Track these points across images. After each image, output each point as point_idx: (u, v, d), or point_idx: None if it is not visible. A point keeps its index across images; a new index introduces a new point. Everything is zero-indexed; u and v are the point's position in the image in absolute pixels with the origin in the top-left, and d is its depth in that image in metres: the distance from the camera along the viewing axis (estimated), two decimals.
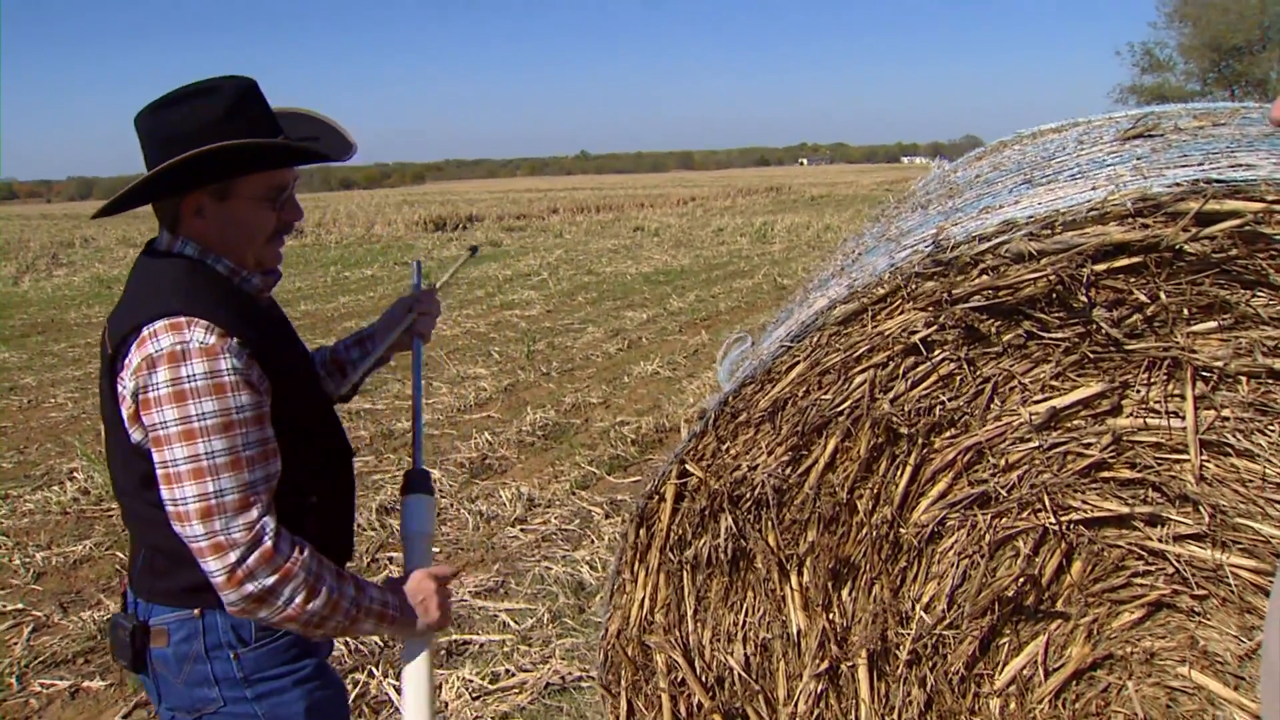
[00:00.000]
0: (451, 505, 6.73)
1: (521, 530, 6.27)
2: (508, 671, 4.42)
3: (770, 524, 2.29)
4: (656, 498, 2.38)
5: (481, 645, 4.72)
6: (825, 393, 2.20)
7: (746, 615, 2.35)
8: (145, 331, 1.87)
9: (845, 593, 2.32)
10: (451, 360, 11.27)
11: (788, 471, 2.25)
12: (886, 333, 2.15)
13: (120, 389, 1.92)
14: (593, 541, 6.00)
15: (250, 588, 1.81)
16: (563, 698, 4.21)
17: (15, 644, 4.93)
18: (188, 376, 1.83)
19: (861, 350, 2.17)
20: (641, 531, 2.33)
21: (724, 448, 2.26)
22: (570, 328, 13.28)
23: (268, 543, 1.83)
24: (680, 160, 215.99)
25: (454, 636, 4.79)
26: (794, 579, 2.32)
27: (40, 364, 12.13)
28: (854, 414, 2.20)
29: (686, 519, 2.31)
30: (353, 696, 4.25)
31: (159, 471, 1.86)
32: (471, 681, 4.33)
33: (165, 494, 1.85)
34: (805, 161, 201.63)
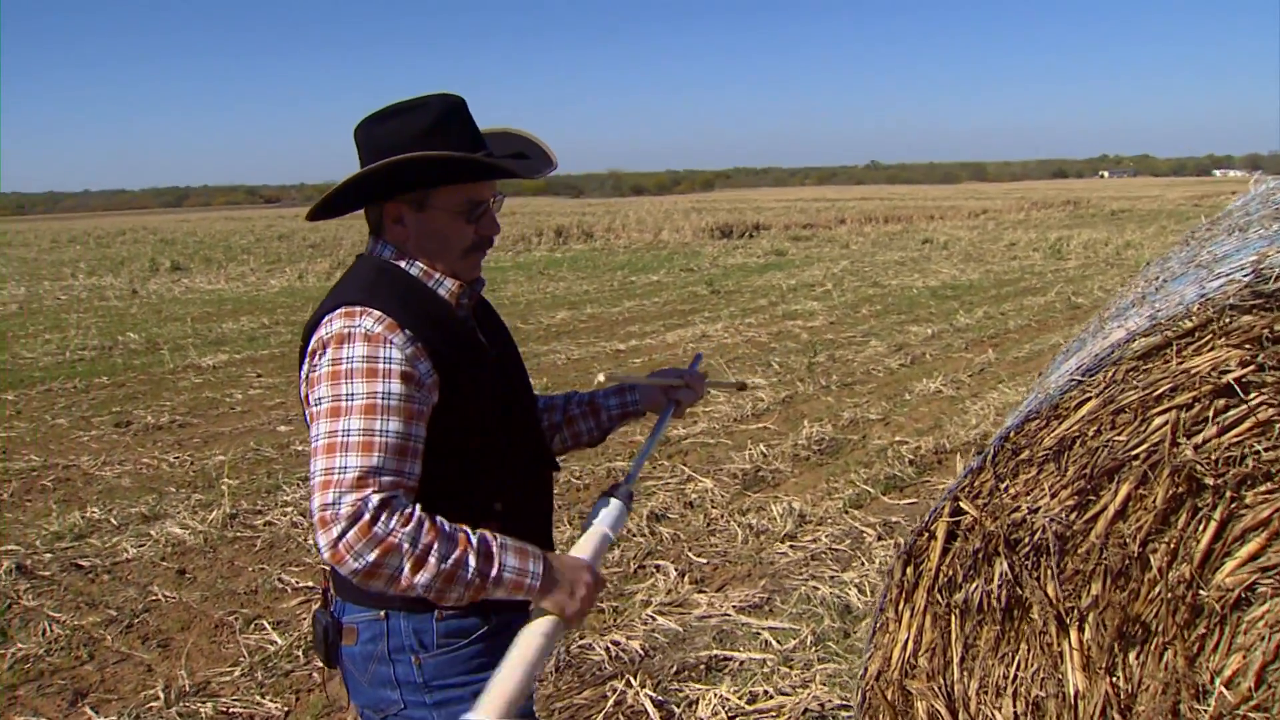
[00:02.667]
0: (721, 517, 6.70)
1: (790, 547, 6.17)
2: (766, 693, 4.33)
3: (1050, 573, 2.09)
4: (927, 535, 2.23)
5: (741, 663, 4.64)
6: (1119, 433, 1.99)
7: (1018, 669, 2.16)
8: (324, 319, 1.99)
9: (1132, 656, 2.10)
10: (731, 369, 11.27)
11: (1072, 517, 2.05)
12: (1193, 371, 1.92)
13: (301, 375, 2.02)
14: (863, 564, 5.82)
15: (354, 564, 1.79)
16: None
17: (304, 618, 5.24)
18: (347, 358, 1.91)
19: (1163, 389, 1.95)
20: (909, 569, 2.19)
21: (1003, 486, 2.09)
22: (852, 340, 13.05)
23: (366, 517, 1.79)
24: (973, 171, 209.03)
25: (714, 651, 4.75)
26: (1074, 635, 2.12)
27: None
28: (1151, 459, 1.98)
29: (958, 560, 2.14)
30: (609, 704, 4.27)
31: (312, 448, 1.90)
32: (728, 700, 4.26)
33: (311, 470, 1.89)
34: (1106, 174, 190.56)
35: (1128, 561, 2.04)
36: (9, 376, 12.14)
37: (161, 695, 4.52)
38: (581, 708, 4.30)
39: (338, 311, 1.97)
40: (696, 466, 7.79)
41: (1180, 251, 2.85)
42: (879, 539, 6.20)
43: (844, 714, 4.12)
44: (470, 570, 1.86)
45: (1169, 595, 2.02)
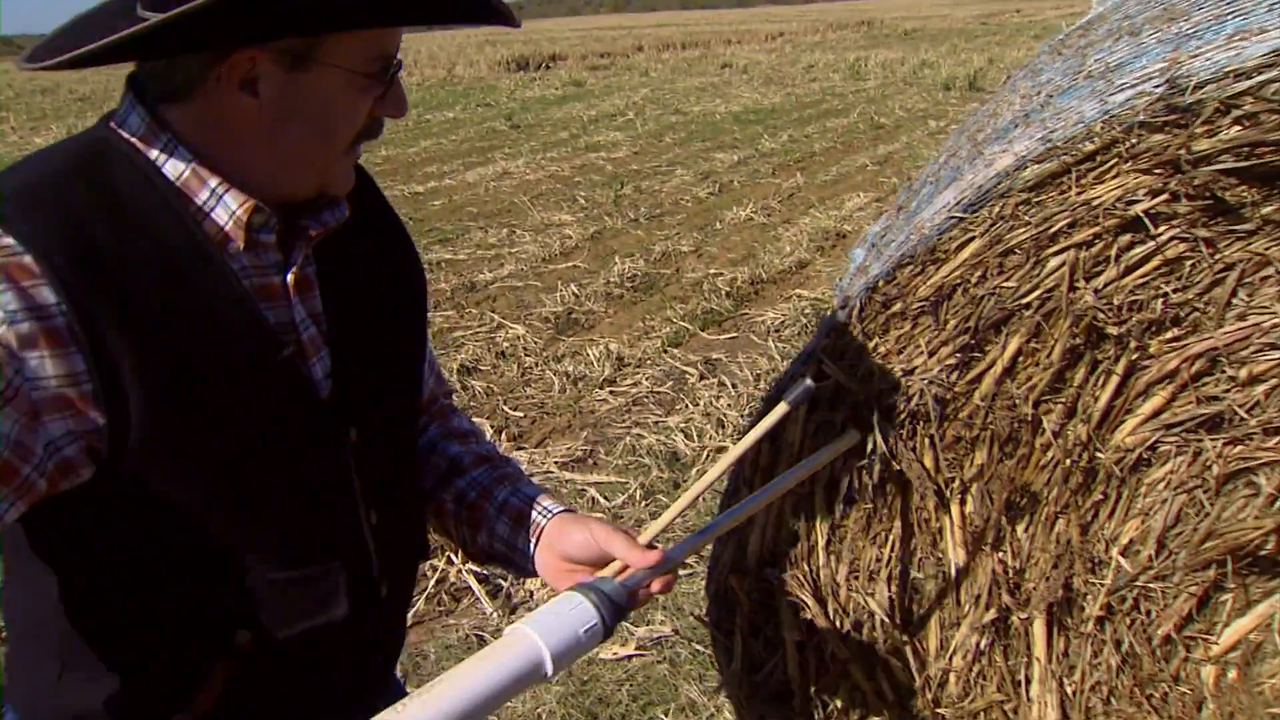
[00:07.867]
0: (536, 365, 6.37)
1: (610, 393, 5.90)
2: None
3: (928, 442, 1.81)
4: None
5: None
6: (1008, 279, 1.69)
7: (892, 549, 1.90)
8: None
9: (1020, 529, 1.86)
10: (536, 206, 10.81)
11: (954, 377, 1.77)
12: (1095, 202, 1.63)
13: None
14: (687, 407, 5.59)
15: None
16: None
17: None
18: None
19: (1060, 225, 1.65)
20: (765, 445, 1.88)
21: (872, 345, 1.78)
22: (658, 170, 12.71)
23: None
24: None
25: None
26: (955, 509, 1.86)
27: None
28: (1046, 306, 1.69)
29: (822, 432, 1.85)
30: (429, 585, 3.95)
31: None
32: None
33: None
34: None
35: (1017, 425, 1.77)
36: None
37: None
38: None
39: None
40: (505, 312, 7.41)
41: (1054, 62, 2.56)
42: (701, 379, 5.99)
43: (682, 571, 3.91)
44: None
45: (1063, 460, 1.78)
